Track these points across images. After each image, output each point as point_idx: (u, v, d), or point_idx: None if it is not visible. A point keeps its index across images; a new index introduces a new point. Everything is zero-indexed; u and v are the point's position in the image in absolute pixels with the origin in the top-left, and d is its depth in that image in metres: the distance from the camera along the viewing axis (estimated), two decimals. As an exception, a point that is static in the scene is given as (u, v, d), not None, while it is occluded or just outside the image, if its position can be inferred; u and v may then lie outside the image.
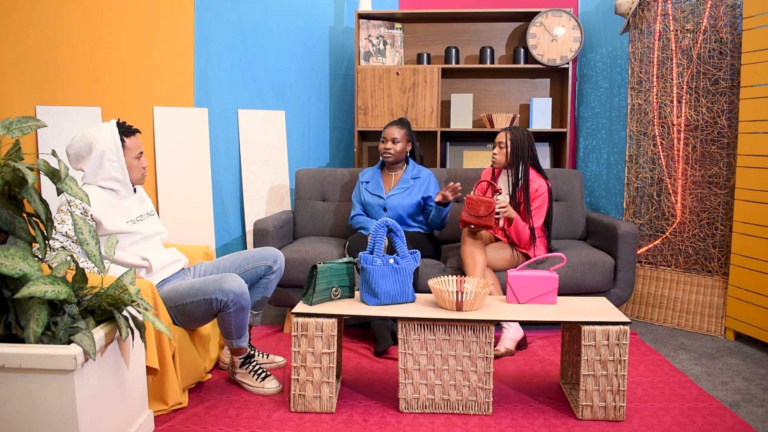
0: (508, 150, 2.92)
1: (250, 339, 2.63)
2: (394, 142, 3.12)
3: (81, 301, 1.68)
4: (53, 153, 1.69)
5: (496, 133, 3.92)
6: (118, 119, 2.30)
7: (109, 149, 2.22)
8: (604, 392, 2.09)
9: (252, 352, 2.56)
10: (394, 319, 2.39)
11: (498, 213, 2.74)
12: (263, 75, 3.90)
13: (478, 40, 4.09)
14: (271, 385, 2.33)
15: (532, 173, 2.94)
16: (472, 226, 2.80)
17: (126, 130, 2.28)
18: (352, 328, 3.09)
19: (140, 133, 2.35)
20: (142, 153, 2.32)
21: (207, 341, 2.44)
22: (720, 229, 3.15)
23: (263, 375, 2.35)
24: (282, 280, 2.96)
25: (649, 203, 3.41)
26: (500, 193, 2.86)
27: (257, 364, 2.38)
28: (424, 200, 3.11)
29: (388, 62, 4.00)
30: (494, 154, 2.97)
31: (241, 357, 2.36)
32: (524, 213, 2.90)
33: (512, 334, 2.78)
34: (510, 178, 2.96)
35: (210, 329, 2.47)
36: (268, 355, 2.62)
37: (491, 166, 3.04)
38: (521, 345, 2.82)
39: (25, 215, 1.66)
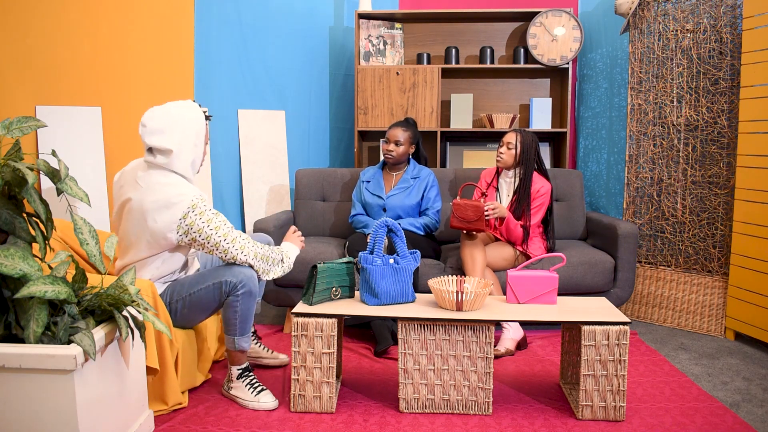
0: (518, 151, 2.93)
1: (256, 334, 2.64)
2: (396, 145, 3.11)
3: (81, 301, 1.68)
4: (53, 153, 1.69)
5: (497, 133, 3.95)
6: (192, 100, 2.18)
7: (198, 131, 2.11)
8: (604, 392, 2.09)
9: (255, 346, 2.56)
10: (394, 319, 2.39)
11: (488, 214, 2.75)
12: (263, 75, 3.90)
13: (478, 40, 4.09)
14: (267, 399, 2.19)
15: (536, 176, 2.95)
16: (464, 231, 2.81)
17: (204, 116, 2.18)
18: (352, 328, 3.09)
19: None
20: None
21: (205, 344, 2.42)
22: (720, 229, 3.15)
23: (259, 389, 2.22)
24: (282, 280, 2.96)
25: (649, 203, 3.41)
26: (486, 195, 2.90)
27: (255, 378, 2.26)
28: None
29: (388, 62, 4.00)
30: (501, 153, 2.97)
31: (239, 367, 2.25)
32: (524, 214, 2.91)
33: (512, 334, 2.78)
34: (515, 180, 2.97)
35: (208, 334, 2.45)
36: (272, 351, 2.61)
37: (497, 165, 3.03)
38: (521, 345, 2.82)
39: (25, 215, 1.66)
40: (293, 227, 2.51)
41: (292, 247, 2.39)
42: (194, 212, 2.04)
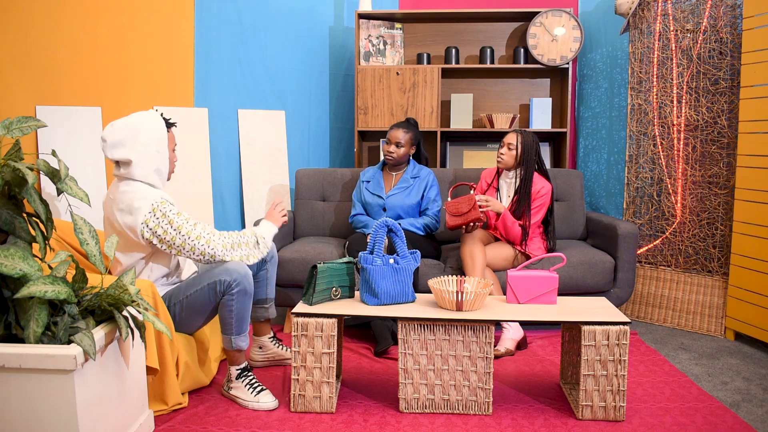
0: (519, 152, 2.93)
1: (276, 337, 2.63)
2: (397, 146, 3.11)
3: (81, 301, 1.68)
4: (53, 153, 1.70)
5: (497, 133, 3.95)
6: (155, 109, 2.24)
7: (158, 139, 2.14)
8: (604, 392, 2.09)
9: (278, 349, 2.57)
10: (394, 319, 2.39)
11: (481, 205, 2.76)
12: (263, 75, 3.90)
13: (478, 40, 4.09)
14: (267, 399, 2.19)
15: (536, 176, 2.95)
16: (463, 227, 2.81)
17: (167, 122, 2.21)
18: (352, 328, 3.09)
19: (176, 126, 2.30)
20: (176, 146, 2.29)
21: (207, 354, 2.42)
22: (720, 229, 3.15)
23: (259, 389, 2.22)
24: (282, 280, 2.97)
25: (649, 203, 3.41)
26: (473, 188, 2.90)
27: (254, 378, 2.26)
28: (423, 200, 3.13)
29: (388, 62, 4.00)
30: (501, 154, 2.97)
31: (238, 367, 2.25)
32: (524, 214, 2.91)
33: (512, 334, 2.78)
34: (515, 180, 2.97)
35: (210, 336, 2.45)
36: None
37: (497, 165, 3.03)
38: (521, 345, 2.82)
39: (25, 215, 1.66)
40: (276, 200, 2.44)
41: (268, 226, 2.34)
42: (155, 216, 2.07)
